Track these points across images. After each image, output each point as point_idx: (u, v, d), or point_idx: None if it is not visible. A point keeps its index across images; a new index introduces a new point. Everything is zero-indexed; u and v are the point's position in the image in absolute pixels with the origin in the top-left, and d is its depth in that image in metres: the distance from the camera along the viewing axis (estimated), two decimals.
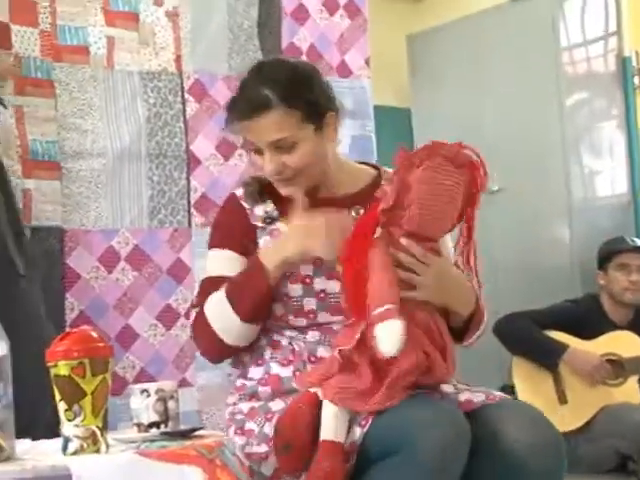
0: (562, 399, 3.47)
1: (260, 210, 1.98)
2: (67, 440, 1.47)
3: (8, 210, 2.33)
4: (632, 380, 3.45)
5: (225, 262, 1.99)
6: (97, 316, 2.53)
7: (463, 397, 1.79)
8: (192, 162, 2.73)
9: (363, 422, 1.71)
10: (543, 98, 4.43)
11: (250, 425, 1.85)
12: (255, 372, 1.94)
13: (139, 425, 1.61)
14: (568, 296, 3.75)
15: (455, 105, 4.77)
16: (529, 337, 3.54)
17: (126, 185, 2.62)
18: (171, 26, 2.72)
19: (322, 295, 1.88)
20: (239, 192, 2.03)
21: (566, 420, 3.39)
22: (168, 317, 2.66)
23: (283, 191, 1.95)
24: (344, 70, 3.02)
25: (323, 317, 1.88)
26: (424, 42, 4.94)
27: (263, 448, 1.79)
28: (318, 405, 1.73)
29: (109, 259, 2.57)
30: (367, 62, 3.09)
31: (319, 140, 1.92)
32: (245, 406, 1.90)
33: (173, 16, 2.72)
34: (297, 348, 1.90)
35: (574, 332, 3.52)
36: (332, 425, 1.70)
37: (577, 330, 3.52)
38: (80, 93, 2.57)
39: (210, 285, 1.96)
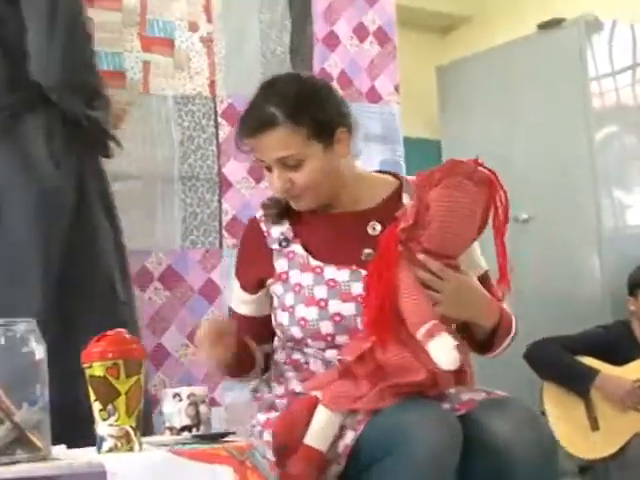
0: (594, 425, 3.45)
1: (277, 232, 1.99)
2: (101, 439, 1.49)
3: (115, 237, 2.40)
4: None
5: (238, 298, 2.07)
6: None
7: (465, 397, 1.81)
8: (224, 185, 2.79)
9: (357, 426, 1.73)
10: (572, 128, 4.43)
11: (267, 436, 1.87)
12: (277, 389, 1.98)
13: (171, 429, 1.65)
14: (599, 323, 3.74)
15: (485, 135, 4.79)
16: (560, 362, 3.53)
17: (159, 207, 2.69)
18: (205, 52, 2.79)
19: (337, 318, 1.88)
20: (259, 214, 2.05)
21: (598, 447, 3.37)
22: (143, 279, 2.67)
23: (295, 206, 1.97)
24: (374, 96, 3.08)
25: (341, 339, 1.88)
26: (453, 73, 4.98)
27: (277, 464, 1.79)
28: (316, 408, 1.76)
29: (142, 279, 2.62)
30: (396, 88, 3.14)
31: (329, 157, 1.92)
32: (262, 417, 1.94)
33: (207, 42, 2.80)
34: (314, 368, 1.91)
35: (605, 358, 3.50)
36: (318, 432, 1.74)
37: (608, 356, 3.50)
38: None
39: (236, 319, 2.06)
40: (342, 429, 1.75)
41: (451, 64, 5.03)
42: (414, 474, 1.63)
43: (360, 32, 3.07)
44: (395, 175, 2.08)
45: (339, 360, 1.82)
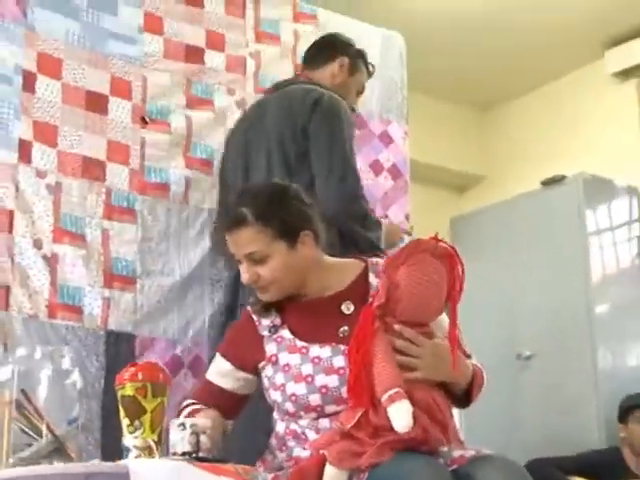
0: None
1: (267, 321, 2.17)
2: (127, 450, 1.68)
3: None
4: None
5: (220, 371, 2.19)
6: None
7: (457, 454, 1.93)
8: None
9: (361, 476, 1.86)
10: (572, 277, 4.66)
11: None
12: (280, 455, 2.12)
13: (174, 454, 1.75)
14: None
15: (493, 282, 5.01)
16: None
17: (190, 302, 2.86)
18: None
19: (324, 390, 2.02)
20: (250, 307, 2.24)
21: None
22: (173, 366, 2.75)
23: (260, 297, 2.17)
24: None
25: (329, 409, 2.03)
26: (465, 225, 5.25)
27: None
28: (325, 464, 1.88)
29: (173, 365, 2.74)
30: (407, 217, 3.33)
31: (292, 255, 2.10)
32: (270, 475, 2.04)
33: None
34: (311, 437, 2.04)
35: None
36: None
37: (598, 478, 3.59)
38: (158, 222, 2.86)
39: (204, 386, 2.21)
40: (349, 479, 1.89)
41: (463, 216, 5.32)
42: None
43: (375, 167, 3.30)
44: (360, 258, 2.26)
45: (339, 426, 1.98)
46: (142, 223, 2.84)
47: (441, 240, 2.01)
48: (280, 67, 3.19)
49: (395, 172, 3.36)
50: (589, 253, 4.60)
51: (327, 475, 1.88)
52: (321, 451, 1.92)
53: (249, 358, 2.17)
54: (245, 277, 2.14)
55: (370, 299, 2.04)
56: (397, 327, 1.98)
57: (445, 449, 1.95)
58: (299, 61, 3.22)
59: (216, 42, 3.09)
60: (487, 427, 4.40)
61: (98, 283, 2.72)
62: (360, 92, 3.11)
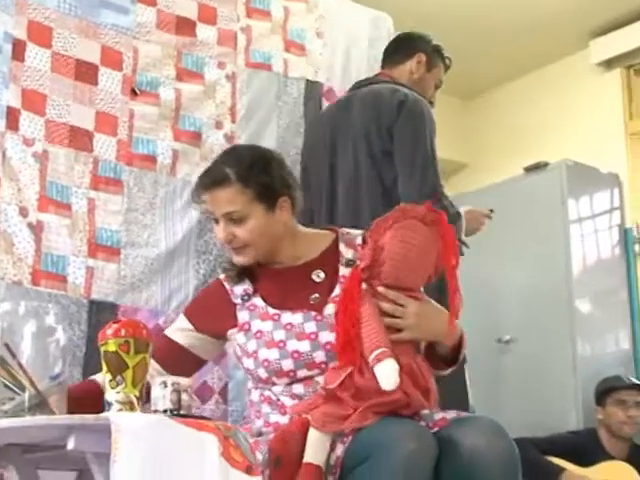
0: None
1: (239, 290, 2.20)
2: (109, 404, 1.66)
3: None
4: None
5: (179, 328, 2.25)
6: None
7: (438, 416, 1.95)
8: None
9: (345, 439, 1.88)
10: (553, 263, 4.67)
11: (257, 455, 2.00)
12: (258, 423, 2.13)
13: (155, 411, 1.76)
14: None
15: (475, 265, 4.97)
16: (528, 460, 3.60)
17: (175, 274, 2.82)
18: (227, 146, 2.98)
19: (296, 355, 2.05)
20: (222, 276, 2.27)
21: None
22: (204, 393, 2.79)
23: (234, 259, 2.19)
24: None
25: (302, 373, 2.05)
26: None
27: (267, 473, 1.91)
28: (308, 428, 1.90)
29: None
30: None
31: (269, 219, 2.14)
32: (251, 440, 2.05)
33: (230, 139, 3.00)
34: (286, 402, 2.07)
35: (572, 460, 3.60)
36: (314, 450, 1.87)
37: (575, 458, 3.61)
38: (144, 194, 2.82)
39: (161, 338, 2.24)
40: (333, 443, 1.89)
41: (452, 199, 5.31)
42: (389, 476, 1.75)
43: None
44: (331, 229, 2.29)
45: (323, 388, 1.98)
46: (128, 194, 2.80)
47: (431, 208, 2.01)
48: (270, 42, 3.16)
49: None
50: (571, 239, 4.60)
51: (311, 439, 1.88)
52: (304, 415, 1.92)
53: (217, 324, 2.19)
54: (221, 236, 2.16)
55: (357, 262, 2.05)
56: (381, 289, 1.98)
57: (427, 412, 1.96)
58: (289, 37, 3.21)
59: (208, 15, 3.05)
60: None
61: (82, 252, 2.68)
62: (438, 86, 3.22)
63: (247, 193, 2.11)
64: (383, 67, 3.18)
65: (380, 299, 1.98)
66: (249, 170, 2.13)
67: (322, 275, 2.15)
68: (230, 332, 2.18)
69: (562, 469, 3.57)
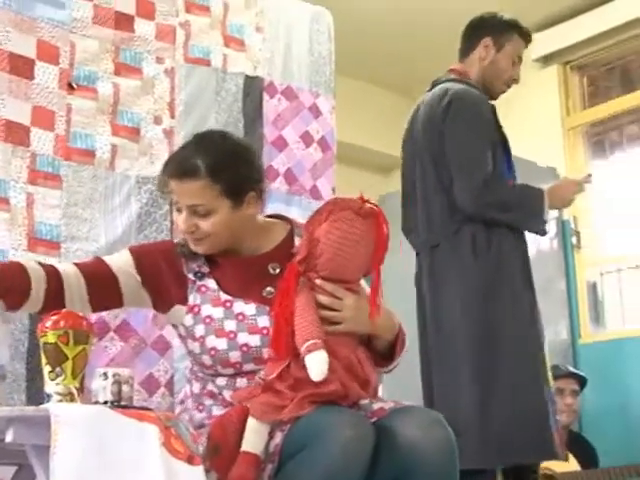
0: None
1: (194, 263, 2.16)
2: (49, 397, 1.67)
3: (533, 305, 3.14)
4: None
5: (121, 260, 2.15)
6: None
7: (376, 406, 1.98)
8: None
9: (284, 427, 1.90)
10: None
11: None
12: (198, 416, 2.13)
13: (96, 403, 1.76)
14: None
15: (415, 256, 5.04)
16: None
17: None
18: (167, 142, 3.00)
19: (245, 348, 2.05)
20: (177, 242, 2.22)
21: None
22: (150, 385, 2.79)
23: (192, 248, 2.15)
24: (315, 193, 3.29)
25: (249, 367, 2.06)
26: (394, 202, 5.28)
27: (206, 464, 1.91)
28: (246, 416, 1.92)
29: (100, 329, 2.70)
30: (333, 190, 3.36)
31: (234, 214, 2.11)
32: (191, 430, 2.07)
33: (169, 134, 3.01)
34: (227, 396, 2.07)
35: None
36: (252, 439, 1.90)
37: None
38: (83, 188, 2.82)
39: (95, 259, 2.19)
40: (272, 432, 1.92)
41: (389, 195, 5.35)
42: (326, 464, 1.78)
43: (306, 138, 3.31)
44: (287, 219, 2.29)
45: (261, 379, 2.00)
46: (67, 188, 2.79)
47: (367, 200, 2.03)
48: (209, 37, 3.17)
49: (324, 144, 3.38)
50: None
51: (249, 428, 1.90)
52: (243, 404, 1.94)
53: (164, 286, 2.14)
54: (183, 227, 2.12)
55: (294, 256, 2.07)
56: (318, 282, 2.00)
57: (366, 402, 1.99)
58: (228, 32, 3.22)
59: (146, 10, 3.05)
60: (410, 396, 4.44)
61: (22, 246, 2.67)
62: (517, 61, 3.27)
63: (215, 188, 2.07)
64: (459, 60, 3.33)
65: (318, 292, 2.00)
66: (220, 164, 2.08)
67: (277, 268, 2.14)
68: (177, 308, 2.14)
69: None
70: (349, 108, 4.94)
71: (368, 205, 2.03)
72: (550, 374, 3.04)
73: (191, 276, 2.14)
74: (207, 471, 1.83)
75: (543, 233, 3.18)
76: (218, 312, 2.09)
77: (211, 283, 2.14)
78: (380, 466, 1.88)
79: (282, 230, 2.24)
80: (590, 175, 3.22)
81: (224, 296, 2.11)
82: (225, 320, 2.07)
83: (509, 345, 2.96)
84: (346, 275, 2.03)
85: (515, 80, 3.21)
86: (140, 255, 2.18)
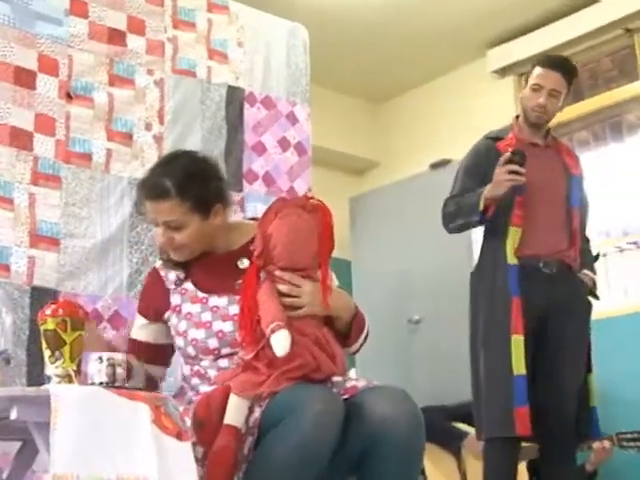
0: (463, 479, 3.61)
1: (173, 275, 2.27)
2: (49, 378, 1.68)
3: None
4: (521, 465, 3.61)
5: (138, 326, 2.33)
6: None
7: (349, 384, 2.02)
8: None
9: (262, 403, 1.94)
10: (456, 249, 4.77)
11: (186, 421, 2.04)
12: (189, 394, 2.20)
13: (92, 384, 1.77)
14: None
15: (388, 253, 5.11)
16: (435, 425, 3.71)
17: (110, 263, 2.84)
18: (156, 147, 3.00)
19: (220, 335, 2.12)
20: (158, 264, 2.34)
21: None
22: None
23: (172, 256, 2.26)
24: (292, 194, 3.28)
25: (226, 350, 2.12)
26: (363, 204, 5.34)
27: (194, 438, 1.95)
28: (228, 395, 1.96)
29: (94, 319, 2.70)
30: (309, 190, 3.35)
31: (204, 225, 2.21)
32: (181, 408, 2.09)
33: (159, 139, 3.02)
34: (212, 375, 2.12)
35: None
36: (233, 413, 1.93)
37: None
38: (81, 189, 2.83)
39: (129, 343, 2.35)
40: (251, 407, 1.95)
41: (361, 196, 5.40)
42: (299, 436, 1.81)
43: (283, 144, 3.32)
44: (257, 220, 2.30)
45: (240, 358, 2.03)
46: (66, 189, 2.80)
47: (311, 197, 2.11)
48: (195, 51, 3.18)
49: (300, 149, 3.39)
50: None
51: (231, 403, 1.93)
52: (226, 383, 1.97)
53: (158, 310, 2.25)
54: (161, 240, 2.23)
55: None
56: (277, 273, 2.05)
57: (339, 379, 2.02)
58: (212, 46, 3.24)
59: (137, 27, 3.06)
60: (382, 382, 4.48)
61: (24, 243, 2.68)
62: (534, 88, 3.37)
63: (184, 205, 2.17)
64: None
65: (278, 282, 2.05)
66: (187, 184, 2.18)
67: (246, 262, 2.20)
68: (167, 315, 2.25)
69: (466, 433, 3.67)
70: (325, 115, 4.97)
71: (312, 201, 2.09)
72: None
73: (172, 286, 2.26)
74: (194, 445, 1.87)
75: (481, 222, 3.25)
76: (196, 308, 2.17)
77: (189, 286, 2.24)
78: (350, 439, 1.90)
79: (252, 229, 2.28)
80: (514, 153, 3.17)
81: (201, 294, 2.20)
82: (202, 313, 2.16)
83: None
84: (300, 263, 2.07)
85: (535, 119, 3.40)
86: (144, 309, 2.35)
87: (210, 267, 2.24)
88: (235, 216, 2.43)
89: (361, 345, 2.25)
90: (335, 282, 2.28)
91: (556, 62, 3.36)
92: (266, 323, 1.97)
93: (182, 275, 2.26)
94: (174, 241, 2.21)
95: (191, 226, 2.19)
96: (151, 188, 2.23)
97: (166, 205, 2.18)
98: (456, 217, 3.34)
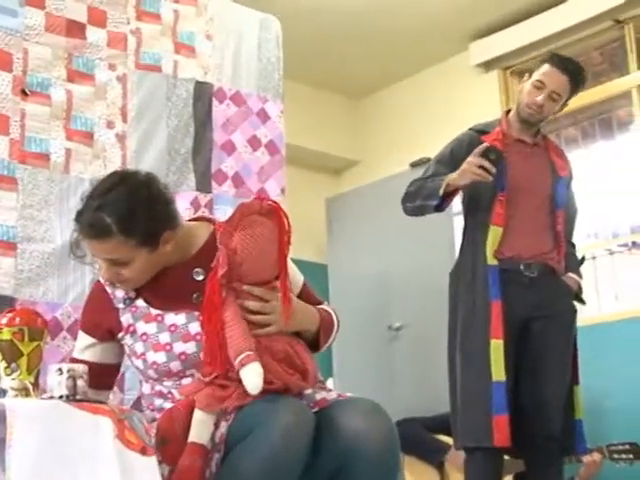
0: None
1: (121, 293, 2.19)
2: (4, 392, 1.69)
3: None
4: (507, 478, 3.65)
5: (82, 346, 2.25)
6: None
7: (319, 396, 2.03)
8: None
9: (228, 417, 1.94)
10: (438, 253, 4.83)
11: None
12: (150, 414, 2.16)
13: (51, 397, 1.76)
14: None
15: (366, 256, 5.14)
16: (417, 438, 3.74)
17: (71, 268, 2.82)
18: (119, 146, 3.01)
19: (183, 357, 2.08)
20: (103, 279, 2.23)
21: None
22: None
23: (122, 288, 2.18)
24: (263, 195, 3.31)
25: (190, 372, 2.09)
26: (340, 205, 5.37)
27: (159, 456, 1.94)
28: (193, 409, 1.96)
29: (53, 328, 2.70)
30: (283, 191, 3.38)
31: (154, 256, 2.12)
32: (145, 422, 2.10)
33: (121, 138, 3.02)
34: (176, 395, 2.10)
35: None
36: (198, 429, 1.93)
37: None
38: (39, 191, 2.82)
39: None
40: (217, 422, 1.95)
41: (338, 196, 5.43)
42: (268, 449, 1.82)
43: (253, 143, 3.33)
44: (208, 220, 2.30)
45: (199, 379, 2.03)
46: (23, 191, 2.80)
47: (264, 199, 2.11)
48: (160, 44, 3.18)
49: (272, 148, 3.40)
50: (454, 230, 4.76)
51: (195, 419, 1.94)
52: (191, 397, 1.98)
53: (107, 328, 2.19)
54: (106, 276, 2.15)
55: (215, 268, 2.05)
56: (246, 288, 2.03)
57: (309, 392, 2.03)
58: (179, 39, 3.25)
59: (98, 18, 3.06)
60: (361, 392, 4.50)
61: None
62: (537, 86, 3.40)
63: (130, 243, 2.06)
64: None
65: (245, 298, 2.03)
66: (130, 219, 2.05)
67: (202, 274, 2.14)
68: (119, 336, 2.19)
69: (449, 447, 3.71)
70: (300, 112, 4.99)
71: (266, 203, 2.08)
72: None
73: (121, 305, 2.18)
74: (159, 462, 1.87)
75: (438, 208, 3.32)
76: (152, 327, 2.13)
77: (140, 303, 2.17)
78: (322, 455, 1.92)
79: (204, 231, 2.24)
80: (491, 150, 3.21)
81: (154, 311, 2.15)
82: (160, 334, 2.11)
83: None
84: (266, 275, 2.07)
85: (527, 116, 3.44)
86: (89, 327, 2.26)
87: (162, 281, 2.16)
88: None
89: (333, 340, 2.26)
90: (300, 278, 2.28)
91: (567, 65, 3.35)
92: (235, 352, 1.94)
93: (132, 294, 2.17)
94: (121, 276, 2.13)
95: (139, 260, 2.09)
96: (90, 227, 2.08)
97: (108, 244, 2.06)
98: (416, 198, 3.40)
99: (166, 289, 2.16)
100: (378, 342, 4.81)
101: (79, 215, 2.14)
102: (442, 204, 3.31)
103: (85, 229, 2.10)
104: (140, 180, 2.19)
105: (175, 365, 2.08)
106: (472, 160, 3.21)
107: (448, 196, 3.29)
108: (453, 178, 3.25)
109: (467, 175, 3.20)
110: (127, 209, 2.06)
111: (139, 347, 2.13)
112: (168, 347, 2.09)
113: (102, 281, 2.24)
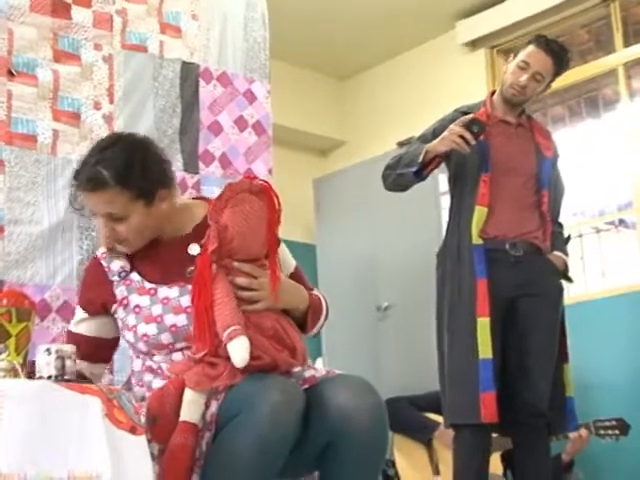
0: (435, 470, 3.67)
1: (116, 266, 2.22)
2: None
3: None
4: (495, 455, 3.68)
5: (79, 319, 2.28)
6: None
7: (308, 374, 2.04)
8: None
9: (218, 396, 1.95)
10: (425, 234, 4.83)
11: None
12: (140, 391, 2.17)
13: (40, 378, 1.78)
14: None
15: (354, 237, 5.14)
16: (405, 416, 3.77)
17: (59, 250, 2.83)
18: (106, 127, 2.99)
19: (173, 329, 2.10)
20: (100, 252, 2.28)
21: None
22: None
23: (120, 249, 2.21)
24: (250, 176, 3.32)
25: (180, 345, 2.10)
26: (327, 185, 5.36)
27: (148, 435, 1.95)
28: (183, 388, 1.97)
29: (42, 310, 2.72)
30: (270, 171, 3.38)
31: (149, 213, 2.15)
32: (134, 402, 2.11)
33: (109, 119, 3.01)
34: (166, 370, 2.12)
35: None
36: (189, 408, 1.94)
37: None
38: (26, 172, 2.82)
39: (67, 338, 2.30)
40: (208, 401, 1.96)
41: (325, 177, 5.42)
42: (257, 427, 1.83)
43: (240, 123, 3.32)
44: (205, 199, 2.33)
45: (190, 357, 2.04)
46: (10, 173, 2.79)
47: (254, 178, 2.12)
48: (146, 24, 3.17)
49: (259, 128, 3.39)
50: (440, 210, 4.77)
51: (186, 399, 1.95)
52: (180, 375, 1.99)
53: (101, 303, 2.21)
54: (103, 232, 2.18)
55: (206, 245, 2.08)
56: (236, 264, 2.04)
57: (298, 369, 2.04)
58: (165, 19, 3.23)
59: None
60: (350, 372, 4.51)
61: None
62: (521, 67, 3.40)
63: (126, 194, 2.11)
64: None
65: (235, 274, 2.04)
66: (127, 171, 2.11)
67: (197, 248, 2.16)
68: (113, 308, 2.21)
69: (437, 424, 3.73)
70: (287, 92, 4.98)
71: (256, 182, 2.10)
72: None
73: (116, 278, 2.21)
74: (149, 441, 1.88)
75: (417, 175, 3.32)
76: (145, 300, 2.14)
77: (135, 276, 2.20)
78: (312, 432, 1.93)
79: (202, 210, 2.27)
80: (475, 122, 3.22)
81: (148, 285, 2.17)
82: (152, 306, 2.13)
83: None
84: (256, 252, 2.08)
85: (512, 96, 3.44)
86: (84, 302, 2.29)
87: (157, 255, 2.20)
88: (181, 196, 2.38)
89: (321, 326, 2.27)
90: (292, 262, 2.29)
91: (552, 47, 3.36)
92: (222, 327, 1.95)
93: (127, 266, 2.21)
94: (118, 233, 2.16)
95: (135, 216, 2.13)
96: (87, 179, 2.13)
97: (105, 196, 2.10)
98: (395, 167, 3.42)
99: (161, 263, 2.19)
100: (366, 322, 4.83)
101: (77, 173, 2.20)
102: (422, 172, 3.30)
103: (83, 183, 2.15)
104: (137, 139, 2.28)
105: (166, 337, 2.09)
106: (454, 128, 3.23)
107: (428, 164, 3.28)
108: (433, 144, 3.29)
109: (446, 142, 3.23)
110: (124, 163, 2.12)
111: (131, 319, 2.15)
112: (159, 319, 2.10)
113: (99, 254, 2.27)
